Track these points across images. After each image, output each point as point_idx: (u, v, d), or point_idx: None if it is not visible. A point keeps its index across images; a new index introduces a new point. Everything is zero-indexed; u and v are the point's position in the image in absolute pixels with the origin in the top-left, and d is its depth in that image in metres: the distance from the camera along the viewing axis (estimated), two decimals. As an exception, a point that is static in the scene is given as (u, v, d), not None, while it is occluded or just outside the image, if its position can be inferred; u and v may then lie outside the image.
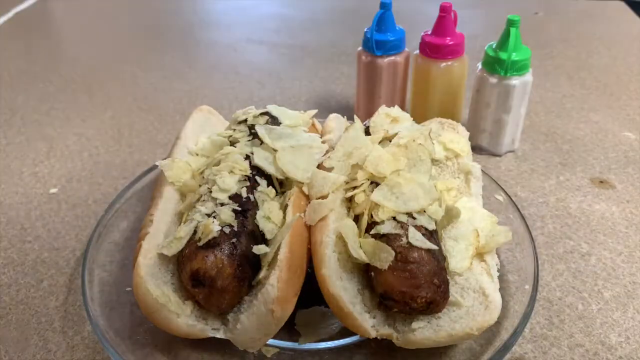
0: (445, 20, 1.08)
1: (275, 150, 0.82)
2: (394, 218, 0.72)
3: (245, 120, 0.90)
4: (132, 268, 0.71)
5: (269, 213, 0.74)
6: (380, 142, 0.83)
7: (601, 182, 1.09)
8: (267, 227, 0.73)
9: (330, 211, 0.75)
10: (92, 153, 1.23)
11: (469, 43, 1.15)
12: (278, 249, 0.70)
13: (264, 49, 1.74)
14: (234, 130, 0.88)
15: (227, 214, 0.71)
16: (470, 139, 0.93)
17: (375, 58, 1.14)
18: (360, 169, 0.78)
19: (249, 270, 0.70)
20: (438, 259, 0.70)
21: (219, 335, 0.71)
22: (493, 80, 1.08)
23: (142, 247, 0.72)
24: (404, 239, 0.69)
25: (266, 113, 0.91)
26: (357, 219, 0.76)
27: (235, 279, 0.68)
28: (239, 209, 0.73)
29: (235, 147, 0.83)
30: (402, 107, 1.14)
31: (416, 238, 0.69)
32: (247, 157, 0.81)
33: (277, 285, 0.66)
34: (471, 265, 0.74)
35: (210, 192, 0.75)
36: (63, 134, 1.30)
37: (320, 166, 0.83)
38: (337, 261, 0.70)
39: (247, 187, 0.76)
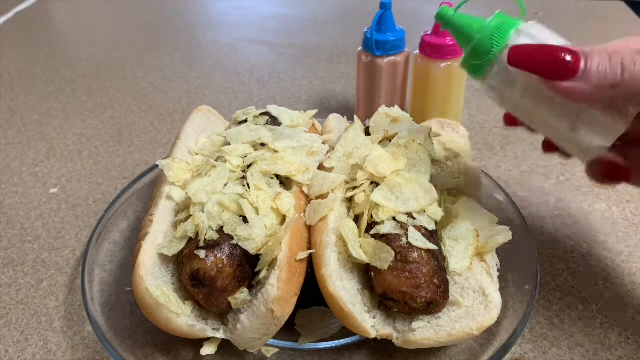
0: (445, 20, 1.08)
1: (276, 151, 0.82)
2: (394, 218, 0.72)
3: (246, 121, 0.90)
4: (132, 268, 0.71)
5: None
6: (380, 142, 0.83)
7: (601, 182, 1.09)
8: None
9: (330, 211, 0.75)
10: (92, 153, 1.23)
11: (469, 43, 1.15)
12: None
13: (264, 49, 1.74)
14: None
15: (227, 214, 0.71)
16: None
17: (375, 58, 1.14)
18: (360, 169, 0.78)
19: (249, 270, 0.70)
20: (438, 259, 0.70)
21: (219, 335, 0.71)
22: None
23: (142, 247, 0.72)
24: (404, 239, 0.69)
25: (266, 113, 0.92)
26: (357, 219, 0.76)
27: (235, 279, 0.68)
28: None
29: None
30: (402, 107, 1.14)
31: (416, 238, 0.69)
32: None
33: (277, 285, 0.66)
34: (471, 265, 0.74)
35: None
36: (63, 134, 1.30)
37: (320, 166, 0.84)
38: (337, 261, 0.70)
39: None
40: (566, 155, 0.74)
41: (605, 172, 0.71)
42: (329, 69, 1.60)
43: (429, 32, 1.12)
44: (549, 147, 0.76)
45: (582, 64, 0.56)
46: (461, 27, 0.66)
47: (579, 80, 0.56)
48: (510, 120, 0.76)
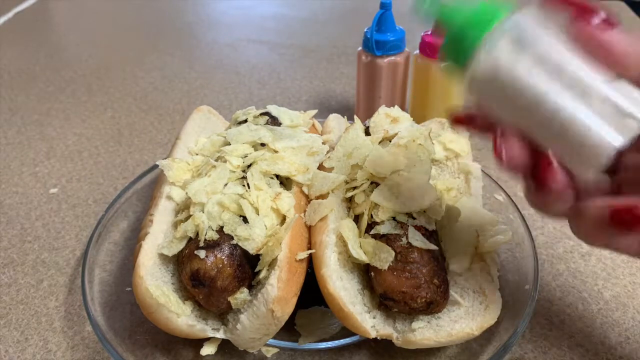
0: (445, 20, 1.08)
1: (276, 151, 0.82)
2: (394, 218, 0.72)
3: (246, 121, 0.90)
4: (132, 268, 0.71)
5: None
6: (380, 142, 0.83)
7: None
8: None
9: (330, 211, 0.75)
10: (92, 153, 1.23)
11: (469, 43, 1.15)
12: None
13: (264, 49, 1.74)
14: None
15: (227, 214, 0.71)
16: None
17: (375, 58, 1.14)
18: (360, 169, 0.78)
19: (249, 270, 0.70)
20: (438, 259, 0.70)
21: (219, 335, 0.71)
22: None
23: (142, 247, 0.72)
24: (404, 239, 0.69)
25: (266, 113, 0.92)
26: (357, 219, 0.76)
27: (235, 279, 0.68)
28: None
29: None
30: (402, 107, 1.14)
31: (416, 238, 0.69)
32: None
33: (277, 285, 0.66)
34: (471, 265, 0.74)
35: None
36: (63, 134, 1.30)
37: (320, 166, 0.84)
38: (337, 261, 0.70)
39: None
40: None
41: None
42: (329, 69, 1.60)
43: (429, 32, 1.12)
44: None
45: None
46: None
47: (620, 32, 0.48)
48: (459, 119, 0.59)
